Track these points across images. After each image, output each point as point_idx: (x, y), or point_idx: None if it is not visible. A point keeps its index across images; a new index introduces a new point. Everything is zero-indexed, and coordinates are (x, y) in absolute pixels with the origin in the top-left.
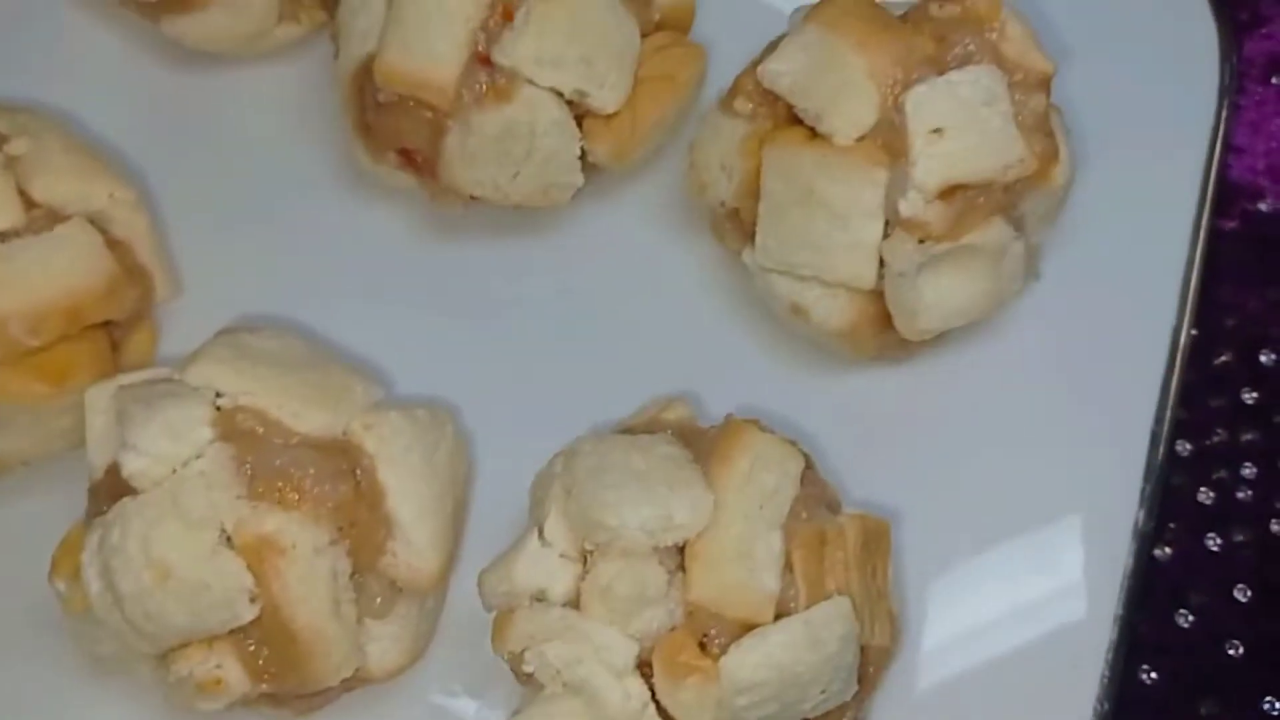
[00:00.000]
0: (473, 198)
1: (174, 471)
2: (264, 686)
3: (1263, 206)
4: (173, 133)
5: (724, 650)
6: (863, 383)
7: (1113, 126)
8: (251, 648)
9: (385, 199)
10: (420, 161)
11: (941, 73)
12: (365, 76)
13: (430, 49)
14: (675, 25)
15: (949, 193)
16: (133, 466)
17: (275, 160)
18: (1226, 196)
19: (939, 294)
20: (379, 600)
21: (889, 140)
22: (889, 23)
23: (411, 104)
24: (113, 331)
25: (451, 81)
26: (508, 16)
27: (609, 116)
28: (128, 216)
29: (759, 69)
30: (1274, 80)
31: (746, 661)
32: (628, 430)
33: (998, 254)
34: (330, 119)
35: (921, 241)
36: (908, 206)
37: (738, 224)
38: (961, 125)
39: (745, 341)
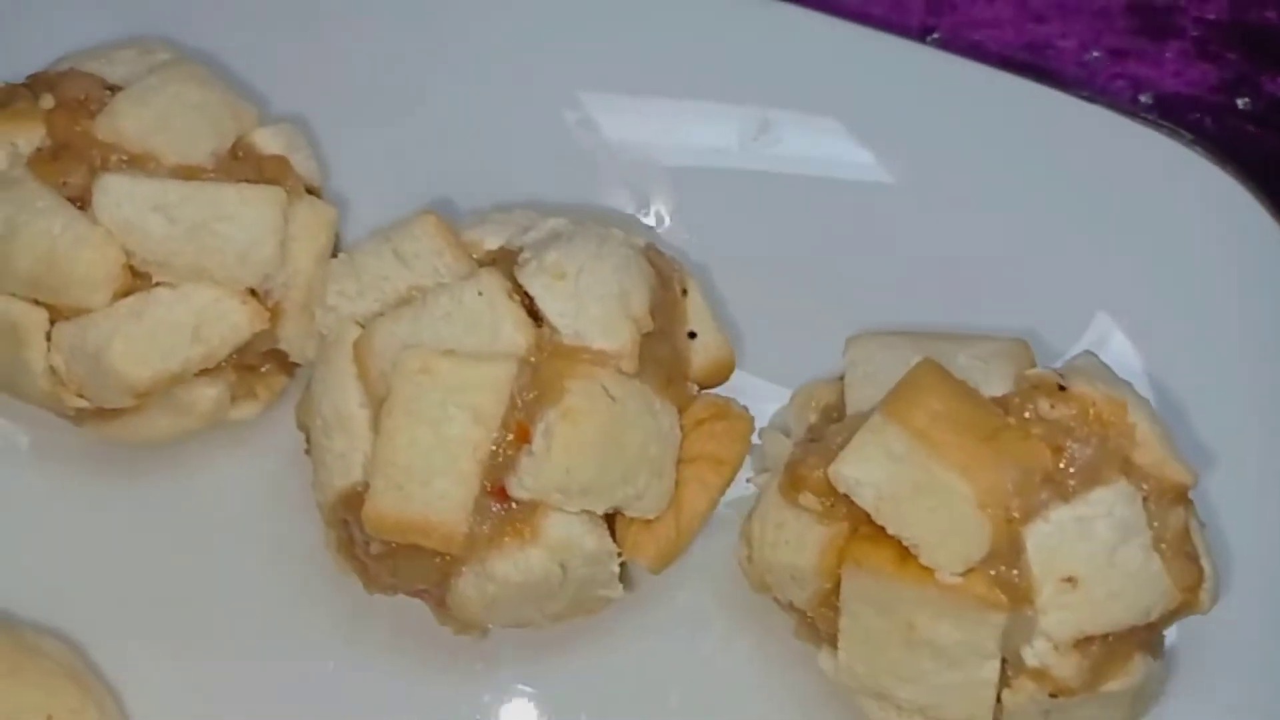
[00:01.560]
0: None
1: None
2: None
3: None
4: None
5: None
6: None
7: (1254, 534)
8: None
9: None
10: (431, 593)
11: (1064, 496)
12: (349, 509)
13: (431, 491)
14: (714, 382)
15: (1084, 642)
16: None
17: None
18: None
19: None
20: None
21: (1005, 577)
22: (992, 430)
23: (409, 548)
24: None
25: (460, 526)
26: (523, 438)
27: (649, 520)
28: None
29: (832, 471)
30: None
31: None
32: None
33: (1137, 691)
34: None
35: (1052, 695)
36: (1035, 656)
37: (805, 621)
38: (1097, 572)
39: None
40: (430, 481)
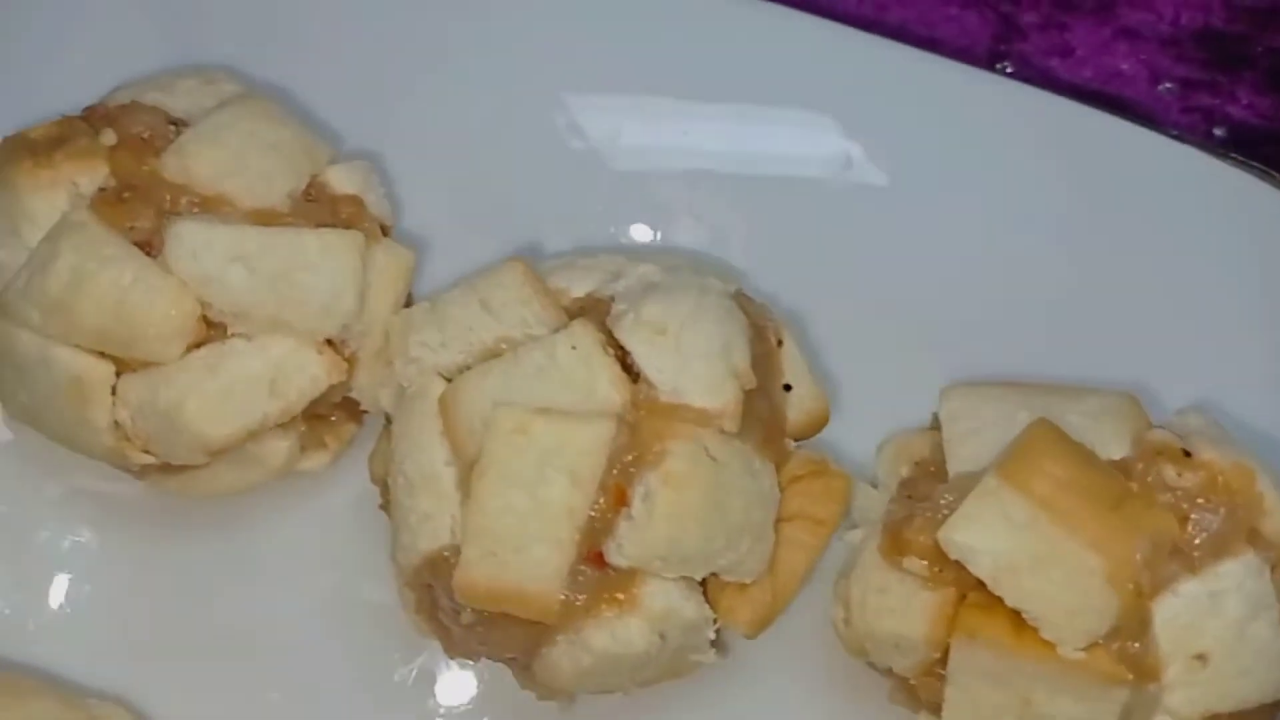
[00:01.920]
0: None
1: None
2: None
3: None
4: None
5: None
6: None
7: None
8: None
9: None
10: (518, 660)
11: (1191, 569)
12: (435, 574)
13: (526, 558)
14: (807, 435)
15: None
16: None
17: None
18: None
19: None
20: None
21: (1130, 651)
22: (1117, 498)
23: (500, 616)
24: None
25: (556, 595)
26: (620, 502)
27: (745, 584)
28: None
29: (943, 537)
30: None
31: None
32: None
33: None
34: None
35: None
36: None
37: (905, 687)
38: (1227, 649)
39: None
40: (526, 548)
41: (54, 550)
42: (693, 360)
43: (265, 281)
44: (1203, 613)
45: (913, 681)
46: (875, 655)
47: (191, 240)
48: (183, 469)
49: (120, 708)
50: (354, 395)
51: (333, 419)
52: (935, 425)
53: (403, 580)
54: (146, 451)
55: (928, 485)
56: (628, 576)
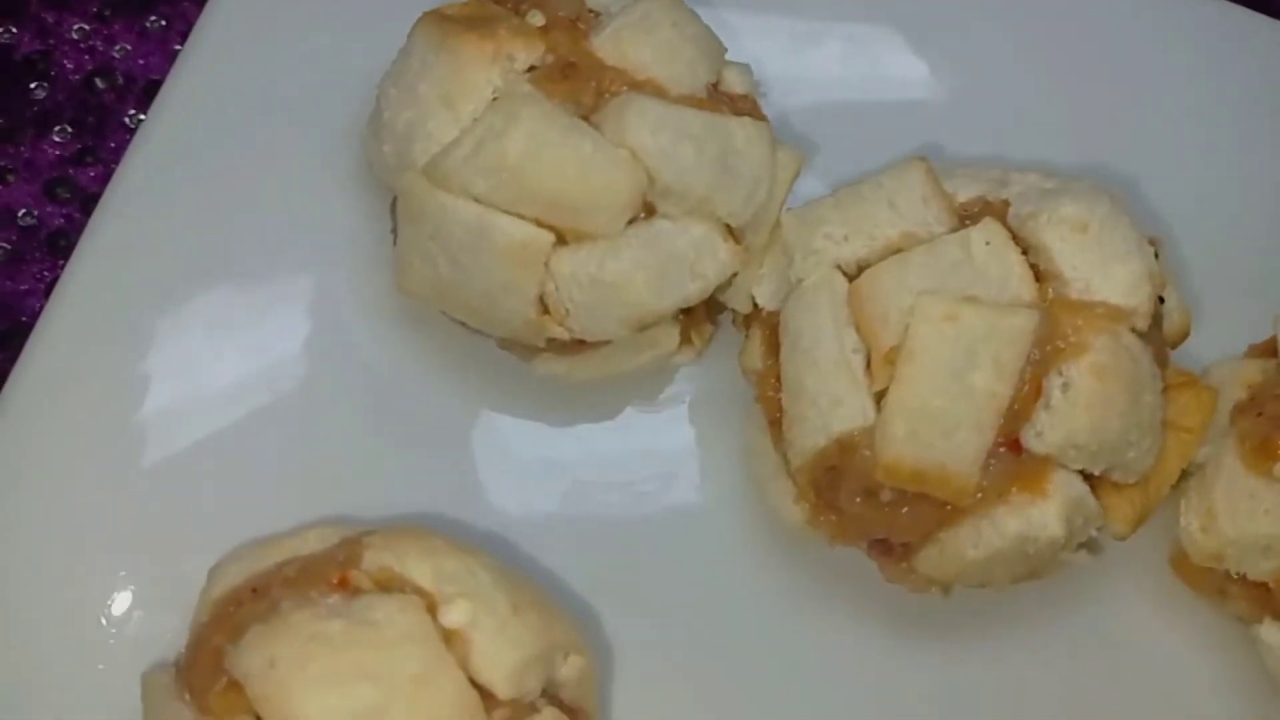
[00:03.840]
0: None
1: None
2: None
3: None
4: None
5: None
6: None
7: None
8: None
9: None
10: (896, 546)
11: None
12: (843, 455)
13: (952, 441)
14: (1172, 346)
15: None
16: None
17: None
18: None
19: None
20: None
21: None
22: None
23: (912, 496)
24: None
25: (974, 478)
26: (1036, 392)
27: (1121, 485)
28: (578, 685)
29: None
30: None
31: None
32: None
33: None
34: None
35: None
36: None
37: (1254, 595)
38: None
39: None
40: (952, 432)
41: None
42: (1112, 258)
43: (709, 162)
44: None
45: (1271, 585)
46: (1237, 560)
47: (652, 116)
48: (580, 349)
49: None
50: (722, 295)
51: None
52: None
53: (797, 464)
54: (562, 326)
55: (1275, 405)
56: (1040, 465)
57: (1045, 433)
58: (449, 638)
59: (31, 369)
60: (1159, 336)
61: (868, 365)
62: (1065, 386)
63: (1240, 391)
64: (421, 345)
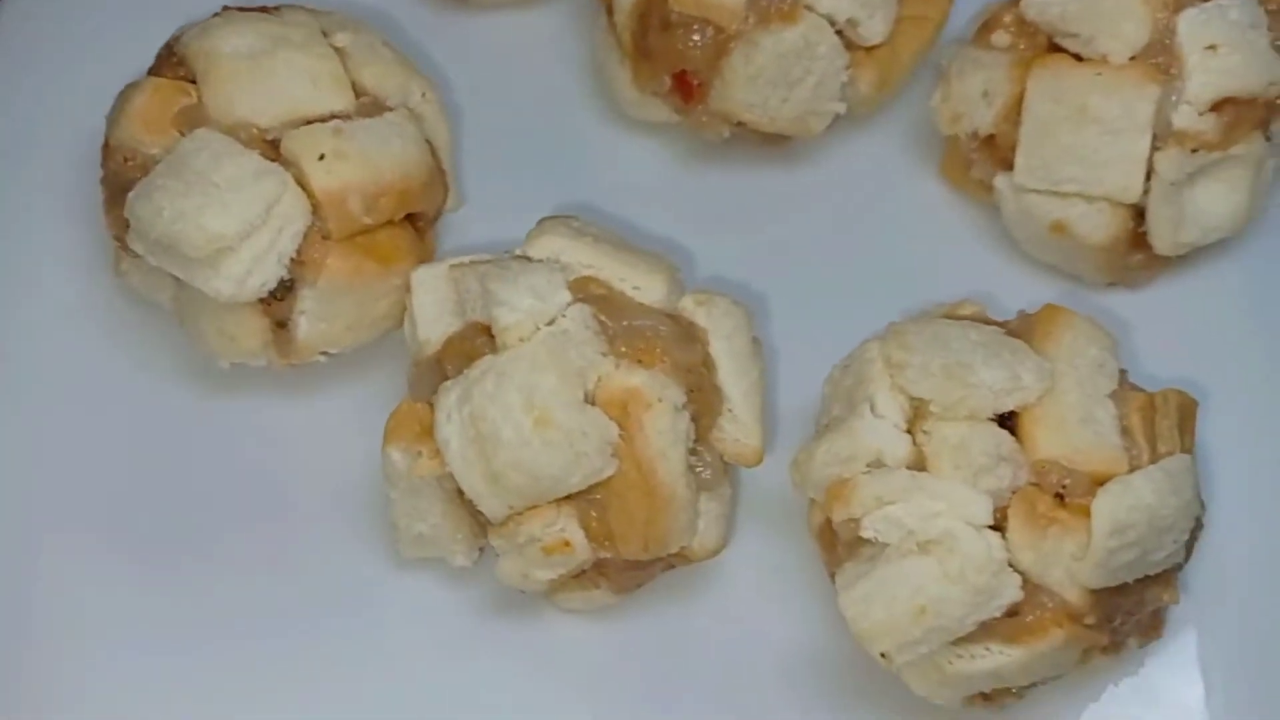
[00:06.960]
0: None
1: (538, 329)
2: (600, 553)
3: None
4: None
5: (1079, 501)
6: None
7: None
8: (592, 513)
9: (642, 134)
10: (694, 86)
11: None
12: (651, 3)
13: None
14: None
15: (1219, 105)
16: (507, 320)
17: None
18: None
19: (1202, 206)
20: (708, 474)
21: (1159, 59)
22: None
23: (696, 25)
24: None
25: (743, 2)
26: None
27: (871, 49)
28: (435, 119)
29: (1022, 2)
30: None
31: (1120, 504)
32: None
33: (1257, 167)
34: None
35: (1194, 151)
36: (1181, 119)
37: (989, 153)
38: (1233, 44)
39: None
40: None
41: None
42: None
43: None
44: (1213, 18)
45: (993, 132)
46: (965, 119)
47: None
48: None
49: None
50: None
51: None
52: None
53: (622, 23)
54: None
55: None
56: (793, 4)
57: None
58: None
59: None
60: None
61: None
62: None
63: None
64: None
